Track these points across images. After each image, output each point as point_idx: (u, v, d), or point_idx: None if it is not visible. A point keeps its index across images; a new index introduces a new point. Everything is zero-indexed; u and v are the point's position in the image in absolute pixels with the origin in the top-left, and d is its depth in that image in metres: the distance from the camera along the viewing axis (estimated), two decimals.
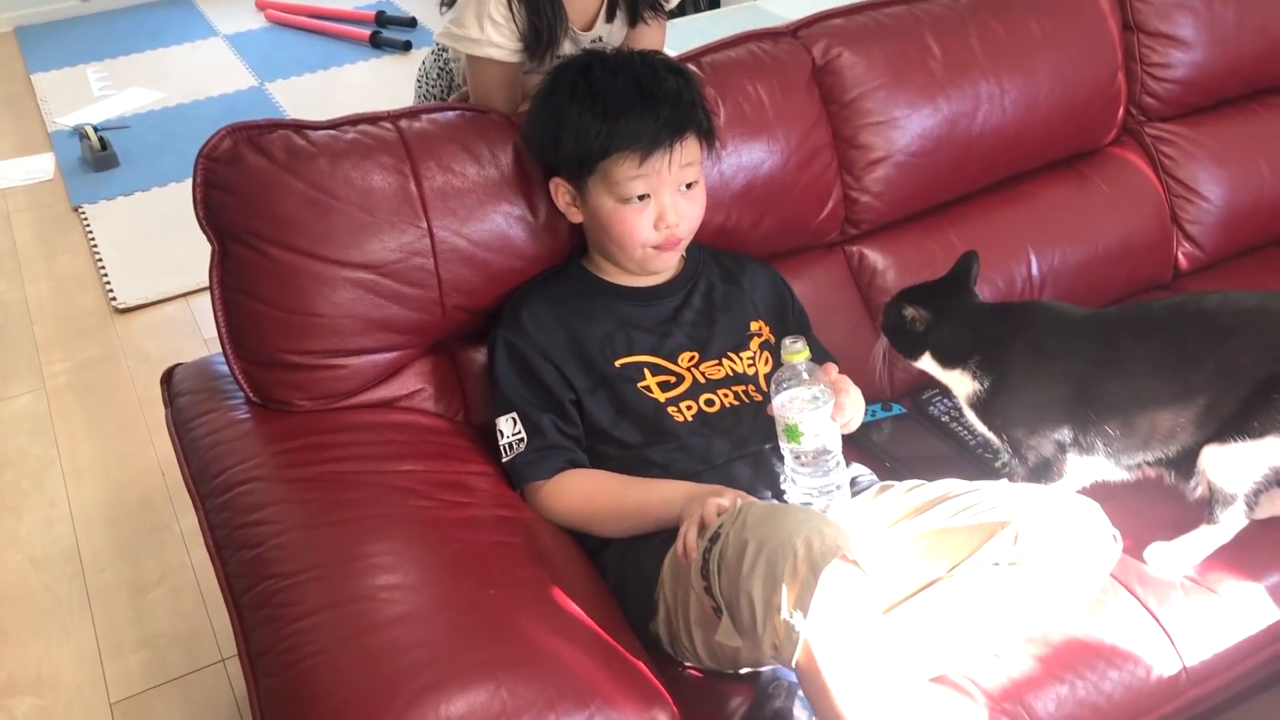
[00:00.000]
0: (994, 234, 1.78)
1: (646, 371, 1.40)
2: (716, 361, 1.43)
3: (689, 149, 1.38)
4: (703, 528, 1.16)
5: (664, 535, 1.27)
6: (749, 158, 1.58)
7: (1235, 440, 1.33)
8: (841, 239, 1.74)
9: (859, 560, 1.06)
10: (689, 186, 1.40)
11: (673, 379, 1.41)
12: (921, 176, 1.71)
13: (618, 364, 1.40)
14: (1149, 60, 1.87)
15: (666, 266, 1.46)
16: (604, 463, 1.39)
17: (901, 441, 1.62)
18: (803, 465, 1.28)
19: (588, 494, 1.36)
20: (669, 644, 1.27)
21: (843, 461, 1.30)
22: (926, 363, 1.48)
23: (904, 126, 1.67)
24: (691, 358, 1.42)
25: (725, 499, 1.19)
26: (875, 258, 1.74)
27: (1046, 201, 1.82)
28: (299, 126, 1.41)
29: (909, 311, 1.46)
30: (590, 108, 1.34)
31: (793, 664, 1.04)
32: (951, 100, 1.69)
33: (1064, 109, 1.78)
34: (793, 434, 1.26)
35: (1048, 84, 1.75)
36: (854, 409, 1.36)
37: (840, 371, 1.38)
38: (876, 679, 1.06)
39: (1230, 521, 1.37)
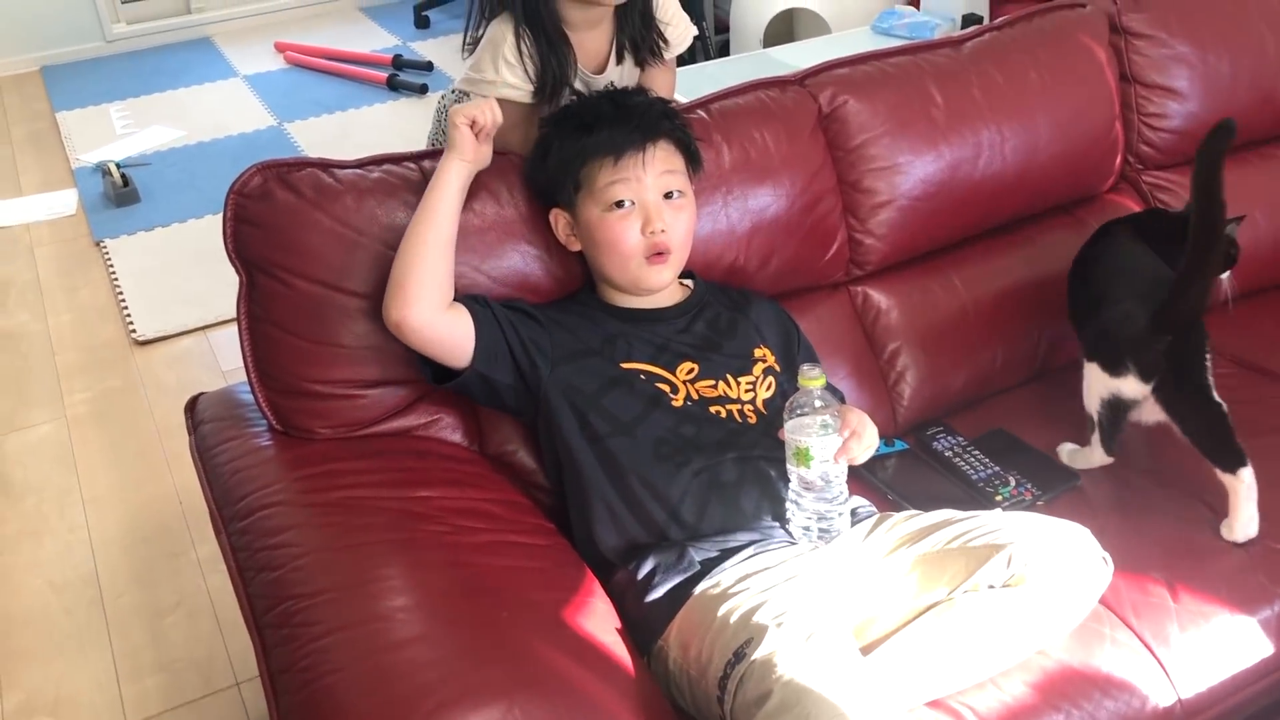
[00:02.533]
0: (995, 276, 1.84)
1: (643, 377, 1.45)
2: (714, 382, 1.47)
3: (665, 155, 1.46)
4: (731, 654, 1.19)
5: (668, 584, 1.31)
6: (756, 201, 1.63)
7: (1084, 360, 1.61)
8: (846, 279, 1.79)
9: None
10: (674, 196, 1.46)
11: (668, 389, 1.45)
12: (924, 220, 1.77)
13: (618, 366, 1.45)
14: (1146, 110, 1.93)
15: (662, 284, 1.50)
16: (595, 444, 1.41)
17: (904, 477, 1.66)
18: (808, 490, 1.33)
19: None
20: (663, 681, 1.31)
21: (846, 489, 1.35)
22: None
23: (907, 172, 1.72)
24: (690, 370, 1.47)
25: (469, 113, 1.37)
26: (879, 298, 1.79)
27: (1046, 245, 1.87)
28: (326, 165, 1.46)
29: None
30: (571, 126, 1.47)
31: None
32: (953, 147, 1.74)
33: (1063, 156, 1.84)
34: (802, 458, 1.31)
35: (1047, 132, 1.81)
36: (866, 448, 1.39)
37: (844, 403, 1.42)
38: None
39: (1095, 445, 1.62)
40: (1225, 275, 1.72)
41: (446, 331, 1.39)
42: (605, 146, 1.44)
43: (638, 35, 1.67)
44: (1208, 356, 1.54)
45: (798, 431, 1.32)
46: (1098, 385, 1.58)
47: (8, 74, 4.88)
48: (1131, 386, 1.54)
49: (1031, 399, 1.83)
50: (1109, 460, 1.63)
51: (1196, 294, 1.48)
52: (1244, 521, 1.49)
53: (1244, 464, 1.49)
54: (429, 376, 1.45)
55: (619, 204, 1.44)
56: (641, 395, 1.44)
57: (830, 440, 1.32)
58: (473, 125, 1.40)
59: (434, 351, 1.40)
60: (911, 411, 1.78)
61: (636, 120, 1.45)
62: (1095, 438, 1.62)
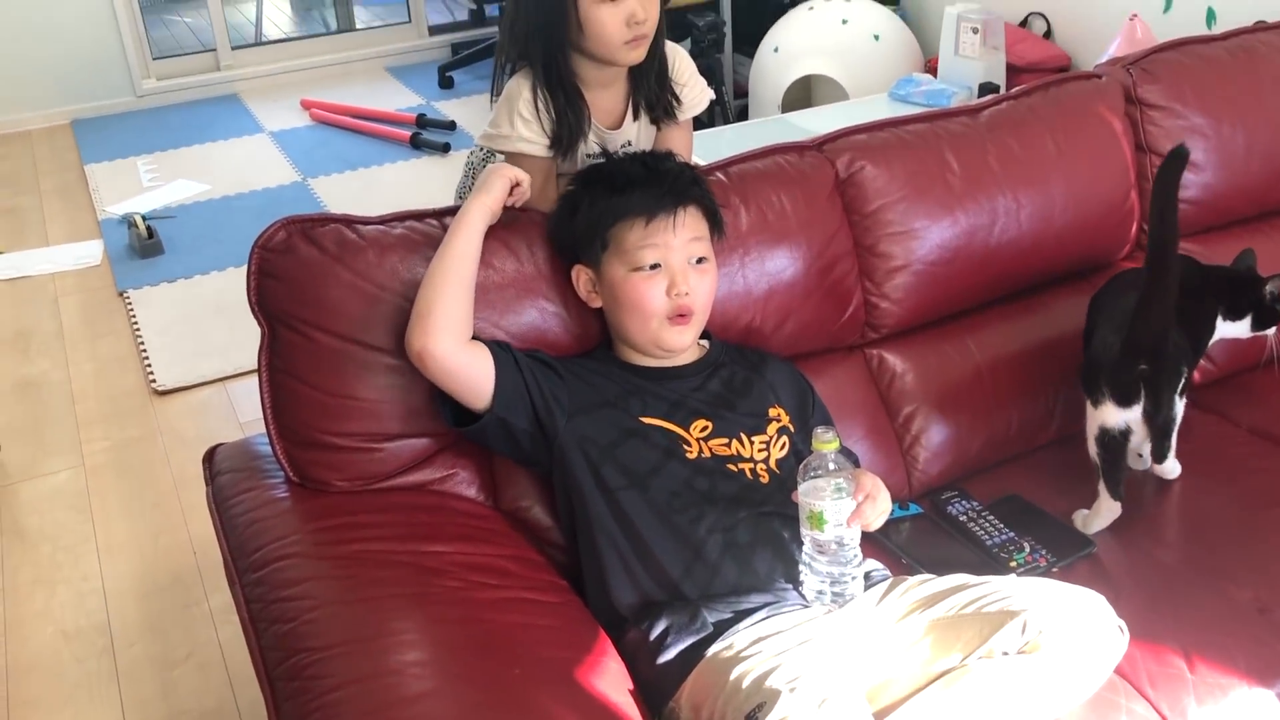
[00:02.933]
0: (1010, 341, 1.85)
1: (658, 431, 1.46)
2: (727, 440, 1.47)
3: (693, 221, 1.49)
4: (744, 691, 1.19)
5: (680, 645, 1.31)
6: (773, 263, 1.65)
7: None
8: (862, 342, 1.80)
9: None
10: (699, 261, 1.49)
11: (683, 443, 1.46)
12: (940, 285, 1.78)
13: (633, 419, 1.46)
14: None
15: (681, 345, 1.52)
16: (609, 496, 1.42)
17: (918, 541, 1.65)
18: (821, 553, 1.33)
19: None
20: None
21: (860, 553, 1.35)
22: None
23: (923, 237, 1.74)
24: (704, 427, 1.47)
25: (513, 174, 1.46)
26: (894, 361, 1.80)
27: (1061, 312, 1.88)
28: (350, 221, 1.49)
29: (1271, 287, 1.73)
30: (602, 186, 1.49)
31: None
32: (969, 213, 1.76)
33: (1078, 225, 1.85)
34: (816, 521, 1.31)
35: (1062, 200, 1.83)
36: (880, 513, 1.39)
37: (858, 467, 1.43)
38: None
39: (1101, 493, 1.63)
40: (1271, 331, 1.77)
41: (467, 365, 1.40)
42: (636, 208, 1.46)
43: (652, 95, 1.71)
44: (1182, 381, 1.60)
45: (811, 495, 1.32)
46: (1089, 422, 1.63)
47: (40, 126, 4.98)
48: (1111, 414, 1.59)
49: (1047, 464, 1.82)
50: (1117, 507, 1.62)
51: (1157, 317, 1.54)
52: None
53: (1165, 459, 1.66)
54: (449, 419, 1.46)
55: (647, 266, 1.46)
56: (656, 447, 1.45)
57: (844, 504, 1.32)
58: (514, 184, 1.47)
59: (454, 385, 1.41)
60: (926, 475, 1.78)
61: (668, 185, 1.48)
62: (1101, 485, 1.62)
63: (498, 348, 1.44)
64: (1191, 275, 1.71)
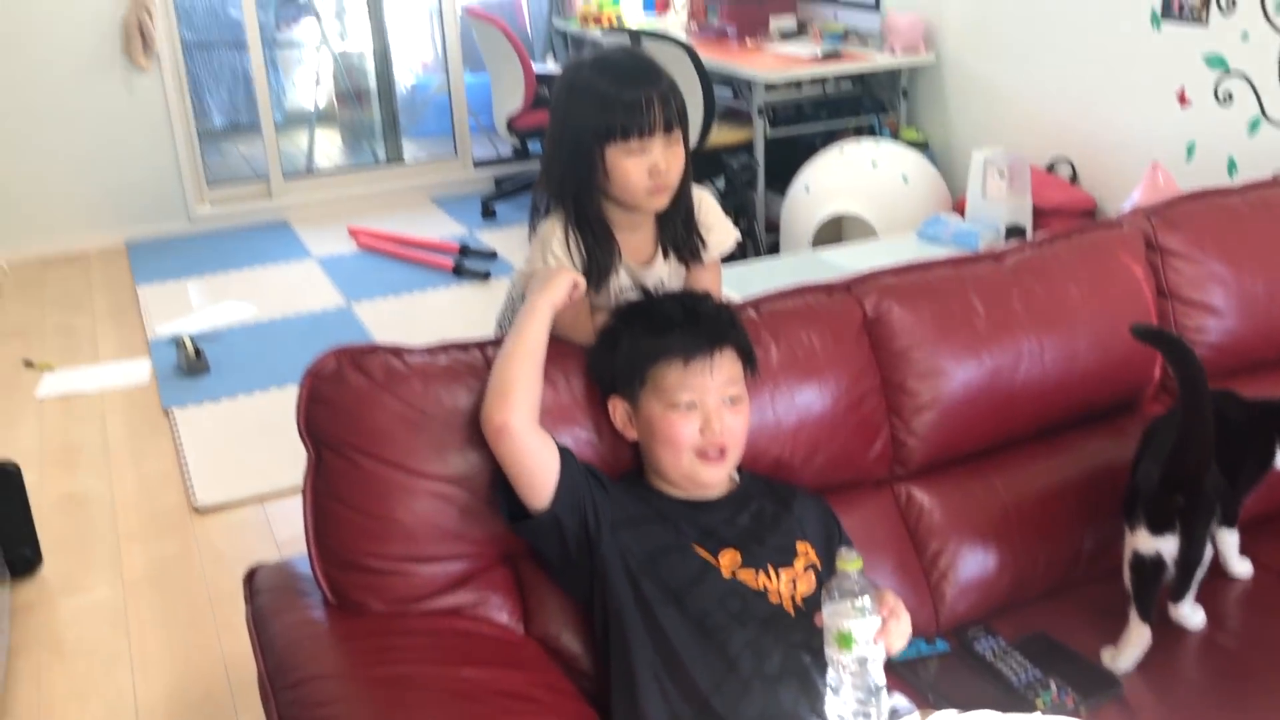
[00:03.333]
0: (1037, 479, 1.87)
1: (692, 549, 1.50)
2: (755, 572, 1.50)
3: (729, 363, 1.55)
4: None
5: None
6: (802, 397, 1.70)
7: None
8: (890, 477, 1.84)
9: None
10: (734, 401, 1.54)
11: (715, 569, 1.49)
12: (966, 423, 1.82)
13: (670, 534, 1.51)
14: (1184, 324, 1.99)
15: (715, 481, 1.57)
16: (645, 611, 1.45)
17: (945, 678, 1.66)
18: (846, 674, 1.35)
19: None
20: None
21: (884, 678, 1.36)
22: None
23: (949, 376, 1.79)
24: (733, 558, 1.51)
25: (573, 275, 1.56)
26: (922, 497, 1.83)
27: (1088, 452, 1.91)
28: (397, 350, 1.56)
29: None
30: (642, 325, 1.56)
31: None
32: (994, 355, 1.81)
33: (1102, 367, 1.89)
34: (843, 641, 1.33)
35: (1086, 344, 1.87)
36: (902, 633, 1.41)
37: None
38: None
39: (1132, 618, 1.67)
40: None
41: (538, 449, 1.46)
42: (676, 350, 1.53)
43: (678, 237, 1.79)
44: (1215, 518, 1.66)
45: (837, 615, 1.34)
46: (1125, 546, 1.68)
47: (96, 247, 5.17)
48: (1145, 541, 1.64)
49: (1075, 602, 1.83)
50: (1147, 634, 1.64)
51: (1194, 453, 1.61)
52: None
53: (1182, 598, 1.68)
54: (504, 511, 1.50)
55: (683, 404, 1.52)
56: (692, 563, 1.48)
57: (869, 622, 1.34)
58: (574, 287, 1.57)
59: (522, 469, 1.46)
60: (954, 611, 1.79)
61: (706, 328, 1.55)
62: (1132, 610, 1.66)
63: (561, 448, 1.50)
64: (1235, 409, 1.76)
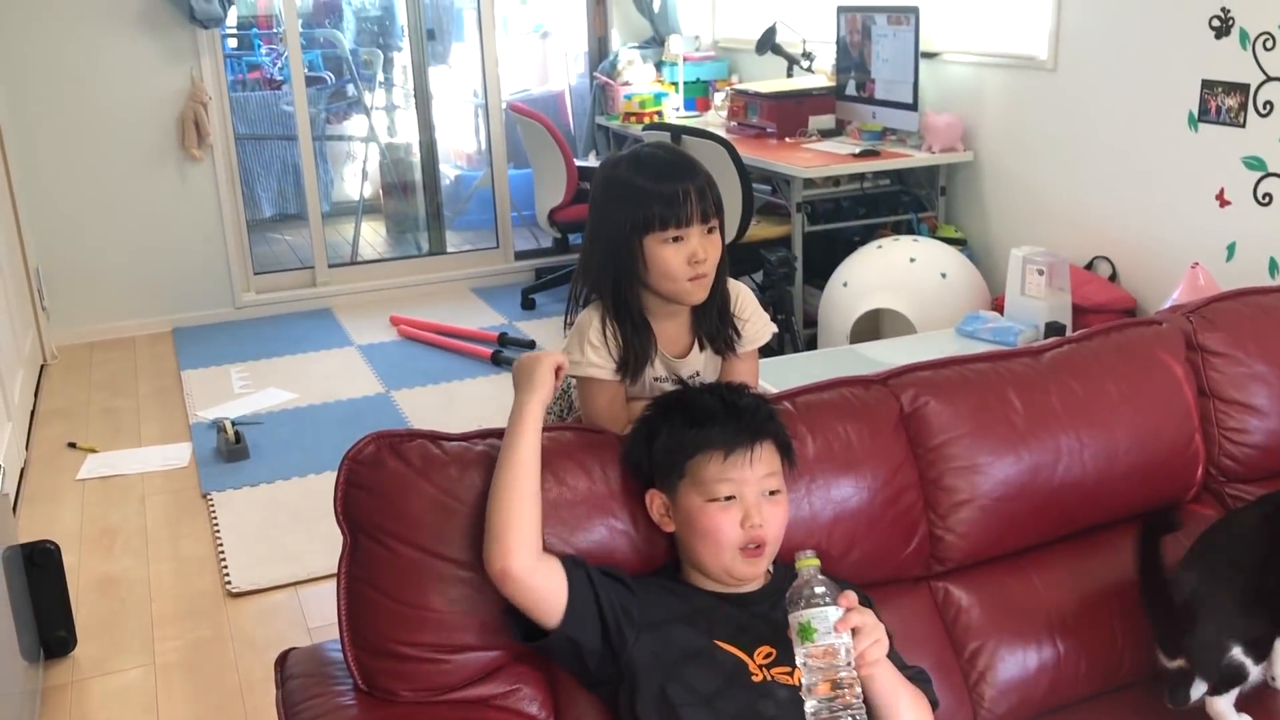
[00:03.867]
0: (1077, 579, 1.84)
1: (724, 652, 1.47)
2: (790, 669, 1.48)
3: (768, 456, 1.54)
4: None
5: None
6: (838, 492, 1.69)
7: None
8: (927, 574, 1.81)
9: None
10: (772, 494, 1.53)
11: (748, 666, 1.47)
12: (1005, 520, 1.80)
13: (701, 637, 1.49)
14: (1225, 425, 1.97)
15: (753, 575, 1.55)
16: (672, 711, 1.42)
17: None
18: (815, 668, 1.35)
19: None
20: None
21: (858, 681, 1.36)
22: None
23: (987, 473, 1.77)
24: (768, 654, 1.48)
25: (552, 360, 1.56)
26: (960, 595, 1.80)
27: (1129, 553, 1.87)
28: (435, 437, 1.57)
29: None
30: (681, 418, 1.55)
31: None
32: (1033, 451, 1.79)
33: (1142, 466, 1.87)
34: (804, 633, 1.35)
35: (1125, 442, 1.85)
36: (870, 633, 1.39)
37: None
38: None
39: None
40: None
41: (543, 583, 1.45)
42: (715, 443, 1.52)
43: (714, 329, 1.80)
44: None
45: (795, 607, 1.37)
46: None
47: (143, 333, 5.28)
48: (1161, 658, 1.70)
49: (1118, 708, 1.78)
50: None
51: (1206, 616, 1.65)
52: None
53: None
54: (518, 635, 1.49)
55: (722, 498, 1.51)
56: (722, 668, 1.46)
57: (827, 611, 1.36)
58: (558, 370, 1.58)
59: (529, 602, 1.45)
60: (993, 714, 1.76)
61: (745, 421, 1.54)
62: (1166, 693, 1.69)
63: (571, 564, 1.48)
64: None
